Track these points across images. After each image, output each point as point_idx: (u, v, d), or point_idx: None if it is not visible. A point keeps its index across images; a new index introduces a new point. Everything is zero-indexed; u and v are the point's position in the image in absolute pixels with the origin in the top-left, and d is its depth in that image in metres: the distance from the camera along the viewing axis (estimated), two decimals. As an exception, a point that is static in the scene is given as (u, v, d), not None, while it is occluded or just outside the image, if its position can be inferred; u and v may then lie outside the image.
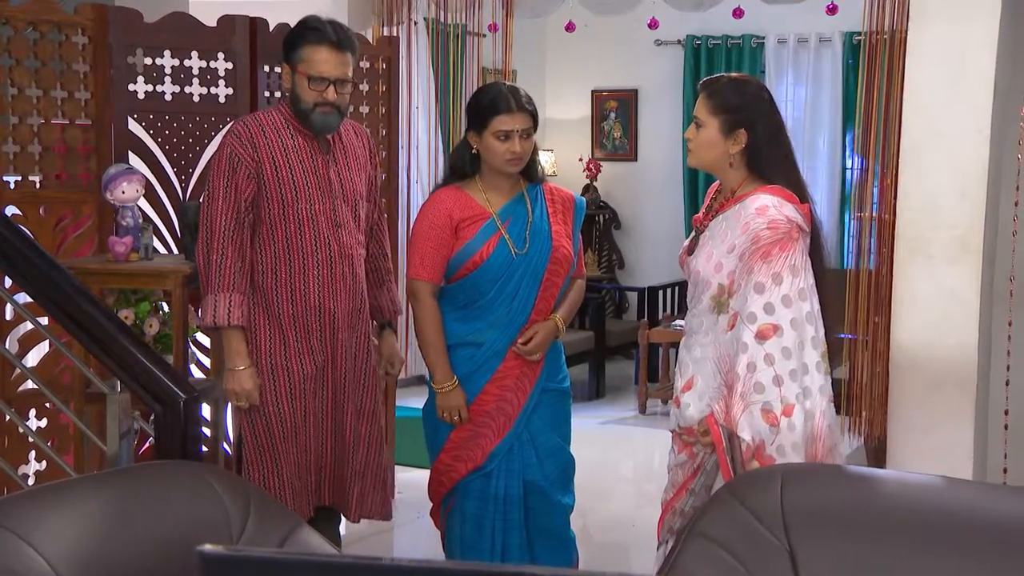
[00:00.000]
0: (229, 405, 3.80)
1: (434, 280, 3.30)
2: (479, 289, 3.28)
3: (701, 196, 8.05)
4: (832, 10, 5.23)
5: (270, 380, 3.42)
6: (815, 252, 2.81)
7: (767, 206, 2.76)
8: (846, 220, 7.42)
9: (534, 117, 3.28)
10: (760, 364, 2.69)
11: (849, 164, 7.58)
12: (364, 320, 3.58)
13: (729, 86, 2.89)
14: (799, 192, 2.83)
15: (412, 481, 4.16)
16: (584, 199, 3.51)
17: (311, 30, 3.38)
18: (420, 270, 3.30)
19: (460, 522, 3.41)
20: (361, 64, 4.98)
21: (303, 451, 3.47)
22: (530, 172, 3.37)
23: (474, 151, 3.31)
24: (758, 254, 2.72)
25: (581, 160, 8.27)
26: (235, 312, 3.33)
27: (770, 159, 2.84)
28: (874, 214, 4.82)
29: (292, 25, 3.51)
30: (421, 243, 3.30)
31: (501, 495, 3.34)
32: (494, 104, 3.24)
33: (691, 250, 2.96)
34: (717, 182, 3.05)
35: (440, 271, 3.30)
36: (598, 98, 8.45)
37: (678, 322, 6.96)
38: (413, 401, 6.71)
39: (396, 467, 4.75)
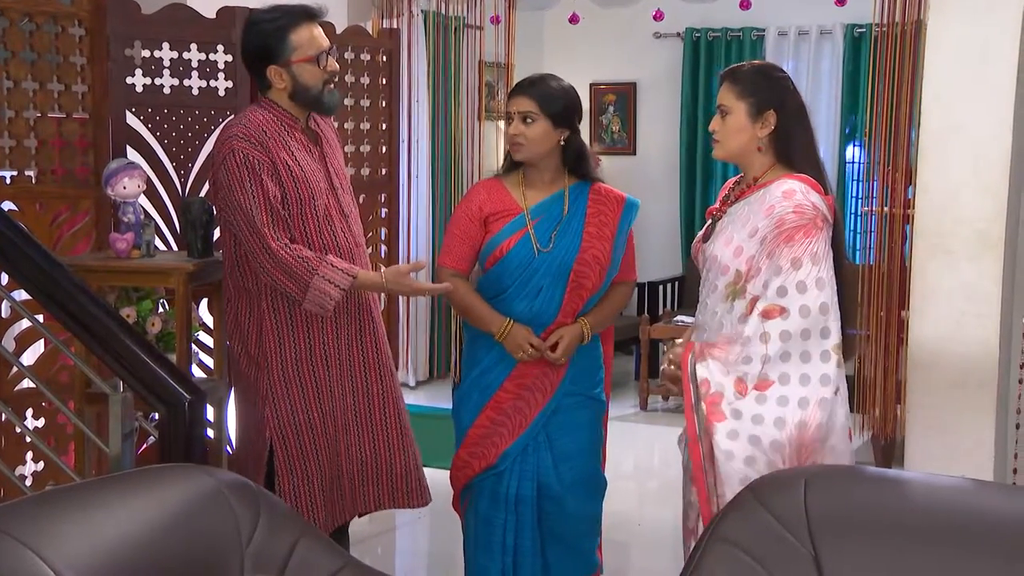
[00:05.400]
0: (232, 406, 3.72)
1: (458, 268, 3.32)
2: (501, 283, 3.26)
3: (700, 191, 8.03)
4: (841, 1, 5.18)
5: (298, 389, 3.33)
6: (836, 246, 2.79)
7: (794, 190, 2.74)
8: (846, 214, 7.39)
9: (543, 103, 3.22)
10: (755, 340, 2.68)
11: (849, 158, 7.55)
12: (376, 305, 3.54)
13: (754, 70, 2.88)
14: (823, 183, 2.80)
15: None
16: (638, 200, 3.41)
17: (286, 15, 3.28)
18: (445, 257, 3.34)
19: (474, 520, 3.38)
20: (361, 57, 4.92)
21: (335, 456, 3.40)
22: (579, 168, 3.31)
23: None
24: (781, 237, 2.70)
25: (579, 154, 8.21)
26: (345, 274, 3.22)
27: (798, 143, 2.83)
28: (885, 208, 4.78)
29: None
30: (450, 232, 3.34)
31: (512, 496, 3.30)
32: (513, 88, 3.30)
33: (706, 237, 2.91)
34: (732, 179, 3.02)
35: (465, 261, 3.31)
36: (596, 91, 8.39)
37: (679, 318, 6.93)
38: (413, 399, 6.71)
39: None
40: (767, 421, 2.66)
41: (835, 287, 2.73)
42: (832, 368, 2.70)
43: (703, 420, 2.72)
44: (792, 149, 2.82)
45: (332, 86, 3.34)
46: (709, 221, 2.96)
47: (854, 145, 7.53)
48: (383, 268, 3.40)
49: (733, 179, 3.02)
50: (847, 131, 7.55)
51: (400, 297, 5.95)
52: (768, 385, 2.68)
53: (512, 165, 3.34)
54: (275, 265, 3.20)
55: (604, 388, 3.44)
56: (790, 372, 2.68)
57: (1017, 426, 3.93)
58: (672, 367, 2.84)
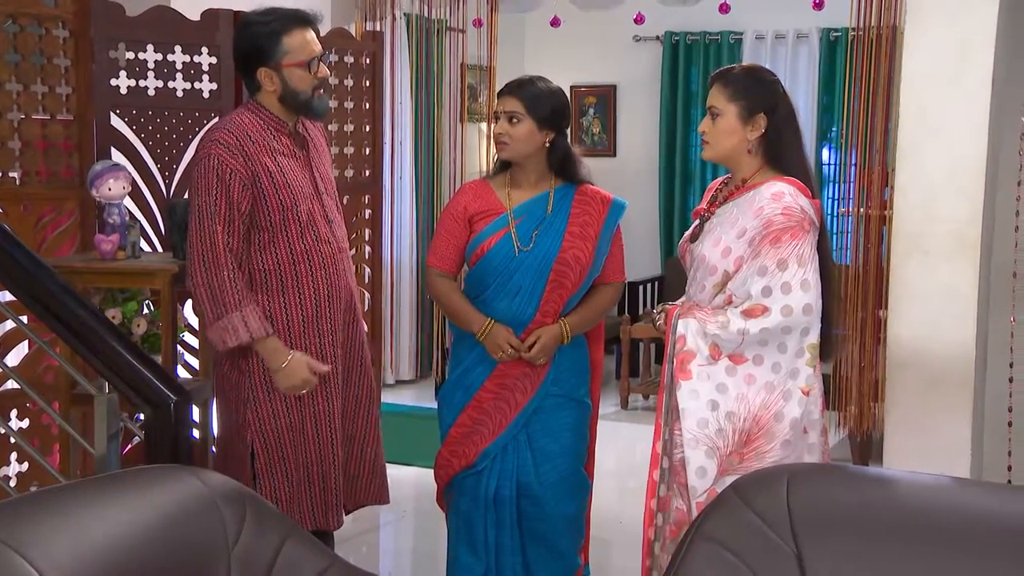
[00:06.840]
0: (215, 407, 3.73)
1: (443, 267, 3.35)
2: (483, 281, 3.29)
3: (679, 192, 8.08)
4: (819, 5, 5.23)
5: (280, 393, 3.30)
6: (822, 249, 2.82)
7: (783, 193, 2.78)
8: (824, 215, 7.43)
9: (529, 104, 3.24)
10: (732, 327, 2.74)
11: (826, 160, 7.61)
12: (360, 306, 3.55)
13: (745, 73, 2.90)
14: (810, 187, 2.83)
15: (396, 479, 4.13)
16: (625, 201, 3.39)
17: (280, 19, 3.27)
18: (431, 256, 3.38)
19: (455, 517, 3.41)
20: (345, 59, 4.94)
21: (316, 459, 3.40)
22: (565, 170, 3.33)
23: None
24: (768, 239, 2.74)
25: (560, 156, 8.24)
26: (265, 322, 3.18)
27: (788, 146, 2.87)
28: (863, 210, 4.83)
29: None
30: (437, 232, 3.39)
31: (491, 495, 3.32)
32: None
33: (694, 238, 2.94)
34: (718, 179, 3.04)
35: (450, 260, 3.34)
36: (577, 93, 8.41)
37: (659, 318, 6.97)
38: (398, 399, 6.72)
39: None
40: (730, 393, 2.75)
41: (820, 289, 2.77)
42: (803, 364, 2.75)
43: (672, 374, 2.82)
44: (781, 152, 2.85)
45: (322, 92, 3.34)
46: (697, 221, 2.99)
47: (830, 148, 7.59)
48: (294, 355, 3.24)
49: (719, 179, 3.05)
50: (825, 132, 7.61)
51: (384, 297, 5.98)
52: (742, 361, 2.76)
53: (501, 167, 3.36)
54: (206, 275, 3.14)
55: (591, 392, 3.44)
56: (764, 355, 2.76)
57: (1009, 424, 3.98)
58: (660, 322, 2.94)
